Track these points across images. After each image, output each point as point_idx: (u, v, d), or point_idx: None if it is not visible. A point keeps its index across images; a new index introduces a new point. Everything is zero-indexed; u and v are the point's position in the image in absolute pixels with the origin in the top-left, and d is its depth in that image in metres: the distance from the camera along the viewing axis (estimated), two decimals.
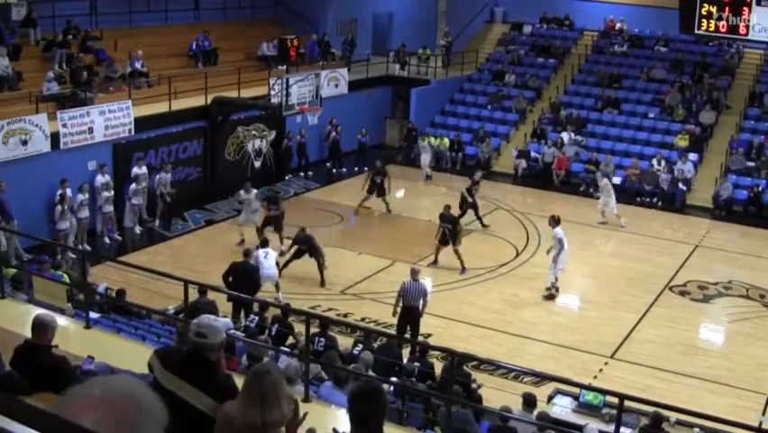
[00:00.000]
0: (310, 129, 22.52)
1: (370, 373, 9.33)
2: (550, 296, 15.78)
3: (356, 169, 23.59)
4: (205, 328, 4.22)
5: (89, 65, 19.38)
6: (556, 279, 15.77)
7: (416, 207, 21.15)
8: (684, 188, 22.17)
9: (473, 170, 21.34)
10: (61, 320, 7.78)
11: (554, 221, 15.66)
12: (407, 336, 12.86)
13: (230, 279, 13.17)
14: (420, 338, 13.20)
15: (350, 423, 3.56)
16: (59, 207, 15.99)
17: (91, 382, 1.62)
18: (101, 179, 17.33)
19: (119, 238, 17.79)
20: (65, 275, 12.51)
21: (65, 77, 18.43)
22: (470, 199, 19.23)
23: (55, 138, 16.64)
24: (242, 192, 17.82)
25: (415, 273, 13.13)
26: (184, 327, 8.11)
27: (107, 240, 17.55)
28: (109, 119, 17.77)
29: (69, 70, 18.64)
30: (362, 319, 14.22)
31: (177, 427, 1.88)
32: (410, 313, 12.99)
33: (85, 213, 16.70)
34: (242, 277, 13.24)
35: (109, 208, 17.34)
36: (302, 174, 23.23)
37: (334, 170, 23.99)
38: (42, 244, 15.38)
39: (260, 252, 14.54)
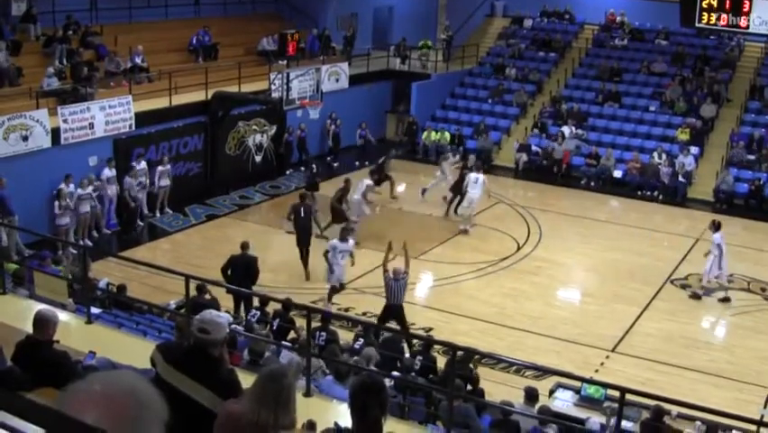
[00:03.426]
0: (310, 123, 22.49)
1: (371, 367, 9.34)
2: (695, 295, 15.78)
3: (357, 163, 23.57)
4: (207, 324, 4.22)
5: (89, 60, 19.37)
6: (726, 285, 15.82)
7: (418, 201, 21.07)
8: (685, 181, 22.14)
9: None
10: (62, 316, 7.79)
11: (714, 226, 15.60)
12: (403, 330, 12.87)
13: (229, 271, 13.17)
14: (421, 332, 13.22)
15: (351, 417, 3.56)
16: (56, 203, 16.01)
17: (92, 378, 1.62)
18: (108, 173, 17.36)
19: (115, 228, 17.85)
20: (62, 269, 12.51)
21: (65, 72, 18.42)
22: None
23: (56, 133, 16.64)
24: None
25: (398, 273, 12.67)
26: (183, 321, 8.09)
27: (106, 230, 17.59)
28: (110, 114, 17.76)
29: (70, 66, 18.63)
30: (363, 314, 14.22)
31: (179, 422, 1.88)
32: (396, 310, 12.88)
33: (85, 208, 16.70)
34: (241, 269, 13.24)
35: (93, 203, 17.06)
36: (303, 169, 23.20)
37: (335, 164, 23.99)
38: (43, 239, 15.39)
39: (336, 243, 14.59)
